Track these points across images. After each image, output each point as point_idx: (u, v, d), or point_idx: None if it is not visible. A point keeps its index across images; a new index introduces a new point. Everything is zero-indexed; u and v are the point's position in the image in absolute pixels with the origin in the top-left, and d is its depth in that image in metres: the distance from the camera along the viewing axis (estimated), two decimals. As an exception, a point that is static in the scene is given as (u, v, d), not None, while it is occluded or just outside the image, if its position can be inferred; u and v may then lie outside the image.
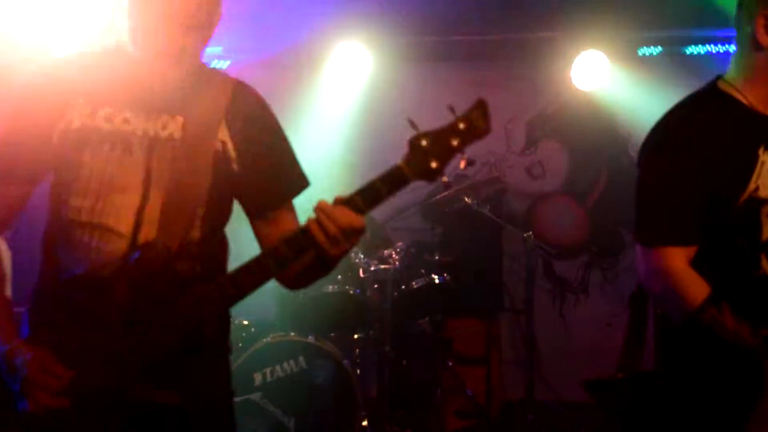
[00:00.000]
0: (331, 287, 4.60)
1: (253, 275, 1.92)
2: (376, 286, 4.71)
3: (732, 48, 5.57)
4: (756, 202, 2.22)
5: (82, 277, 1.97)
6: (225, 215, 2.14)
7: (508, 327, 6.01)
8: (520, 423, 5.29)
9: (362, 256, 4.75)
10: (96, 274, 1.95)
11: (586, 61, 5.66)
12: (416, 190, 6.04)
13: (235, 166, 2.06)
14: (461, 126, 1.88)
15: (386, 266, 4.72)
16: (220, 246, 2.14)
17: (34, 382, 1.89)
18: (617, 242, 6.17)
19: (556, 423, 5.37)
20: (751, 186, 2.22)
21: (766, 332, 2.17)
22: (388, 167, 1.86)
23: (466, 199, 5.29)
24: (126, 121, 1.99)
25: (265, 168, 2.09)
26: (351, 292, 4.61)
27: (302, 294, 4.62)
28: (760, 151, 2.24)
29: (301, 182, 2.16)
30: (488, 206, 5.46)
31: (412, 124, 1.90)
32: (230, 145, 2.05)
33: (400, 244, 4.92)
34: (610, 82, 5.71)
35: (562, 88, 5.97)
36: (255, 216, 2.14)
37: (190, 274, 1.98)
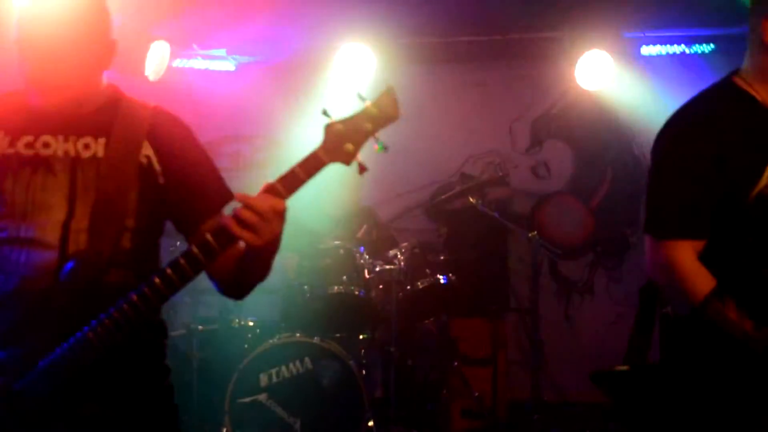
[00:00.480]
0: (336, 288, 4.61)
1: (183, 269, 1.95)
2: (381, 286, 4.72)
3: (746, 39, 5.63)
4: (766, 198, 2.23)
5: (15, 293, 2.00)
6: (157, 227, 2.19)
7: (514, 327, 6.01)
8: (527, 423, 5.29)
9: (367, 257, 4.76)
10: (28, 287, 1.99)
11: (590, 60, 5.66)
12: (421, 190, 6.10)
13: (161, 179, 2.11)
14: (373, 111, 1.96)
15: (391, 267, 4.73)
16: (153, 256, 2.18)
17: None
18: (622, 243, 6.16)
19: (563, 423, 5.37)
20: (763, 182, 2.23)
21: (769, 328, 2.20)
22: (306, 154, 1.93)
23: (471, 199, 5.30)
24: (46, 145, 2.06)
25: (190, 180, 2.14)
26: (356, 292, 4.61)
27: (308, 295, 4.64)
28: None
29: (225, 195, 2.19)
30: (493, 206, 5.48)
31: (326, 114, 1.95)
32: (155, 160, 2.11)
33: (404, 244, 4.92)
34: (614, 81, 5.71)
35: (566, 88, 5.98)
36: (189, 232, 2.17)
37: (122, 283, 2.00)
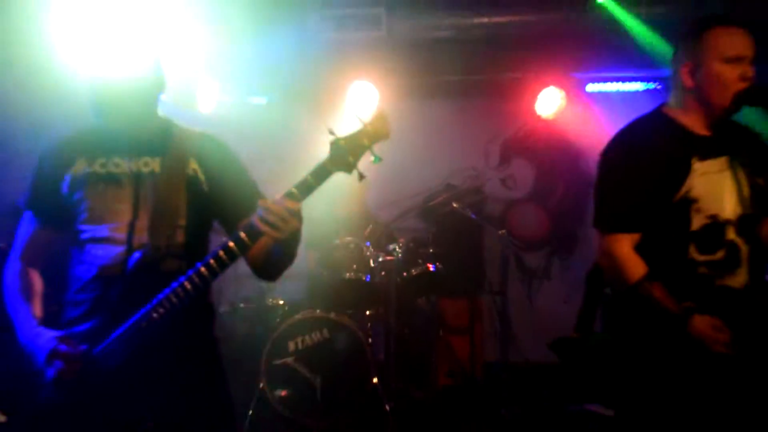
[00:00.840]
0: (348, 274, 4.62)
1: (221, 259, 1.96)
2: (383, 273, 4.72)
3: (658, 85, 5.65)
4: (688, 201, 2.25)
5: (94, 279, 2.03)
6: (205, 225, 2.19)
7: (487, 305, 6.00)
8: (497, 380, 5.30)
9: (372, 250, 4.76)
10: (104, 274, 2.02)
11: (546, 95, 5.67)
12: (414, 197, 6.09)
13: (205, 187, 2.13)
14: (369, 129, 1.96)
15: (391, 257, 4.73)
16: (203, 248, 2.17)
17: (57, 353, 1.95)
18: (572, 239, 6.16)
19: (525, 380, 5.37)
20: (685, 188, 2.25)
21: (687, 304, 2.20)
22: (315, 165, 1.94)
23: (454, 204, 5.30)
24: (116, 165, 2.09)
25: (229, 187, 2.15)
26: (363, 278, 4.62)
27: (326, 280, 4.64)
28: (694, 161, 2.27)
29: (256, 198, 2.17)
30: (471, 209, 5.47)
31: (331, 132, 1.96)
32: (200, 172, 2.12)
33: (401, 240, 4.92)
34: (565, 112, 5.72)
35: (528, 117, 5.97)
36: (229, 229, 2.16)
37: (177, 270, 2.01)
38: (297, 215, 1.92)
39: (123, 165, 2.09)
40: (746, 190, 2.27)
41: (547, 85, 5.65)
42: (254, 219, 1.91)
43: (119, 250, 2.02)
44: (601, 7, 4.61)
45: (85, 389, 1.97)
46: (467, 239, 5.93)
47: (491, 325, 5.93)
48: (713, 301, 2.20)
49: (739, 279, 2.24)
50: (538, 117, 5.81)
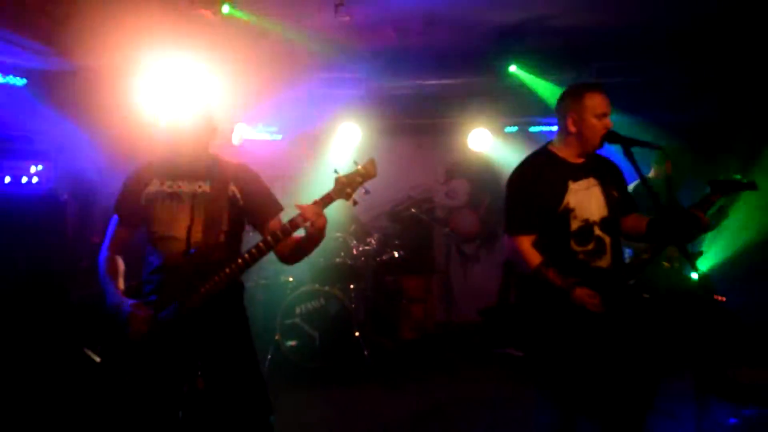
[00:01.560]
0: (337, 259, 4.63)
1: (259, 249, 2.00)
2: (362, 258, 4.75)
3: (554, 128, 5.74)
4: (568, 210, 2.31)
5: (161, 266, 2.05)
6: (240, 229, 2.21)
7: (437, 281, 6.06)
8: (444, 334, 5.36)
9: (355, 242, 4.79)
10: (169, 263, 2.04)
11: (476, 134, 5.74)
12: (384, 205, 6.14)
13: (241, 203, 2.15)
14: (362, 170, 2.01)
15: (368, 247, 4.77)
16: (238, 245, 2.20)
17: (132, 315, 1.98)
18: (495, 235, 6.23)
19: (462, 334, 5.44)
20: (565, 201, 2.31)
21: (572, 280, 2.26)
22: (324, 193, 1.98)
23: (413, 210, 5.36)
24: (179, 186, 2.11)
25: (257, 201, 2.17)
26: (349, 262, 4.64)
27: (322, 263, 4.64)
28: (570, 183, 2.33)
29: (277, 207, 2.21)
30: (425, 214, 5.53)
31: (336, 171, 2.01)
32: (237, 192, 2.15)
33: (375, 235, 4.97)
34: (489, 146, 5.80)
35: (464, 149, 6.01)
36: (259, 228, 2.20)
37: (221, 260, 2.04)
38: (322, 216, 1.99)
39: (184, 186, 2.12)
40: (606, 200, 2.34)
41: (476, 126, 5.72)
42: (296, 219, 1.97)
43: (180, 245, 2.04)
44: (512, 75, 4.78)
45: (151, 341, 2.00)
46: (422, 234, 5.97)
47: (439, 295, 6.00)
48: (590, 278, 2.27)
49: (605, 261, 2.31)
50: (471, 149, 5.89)
